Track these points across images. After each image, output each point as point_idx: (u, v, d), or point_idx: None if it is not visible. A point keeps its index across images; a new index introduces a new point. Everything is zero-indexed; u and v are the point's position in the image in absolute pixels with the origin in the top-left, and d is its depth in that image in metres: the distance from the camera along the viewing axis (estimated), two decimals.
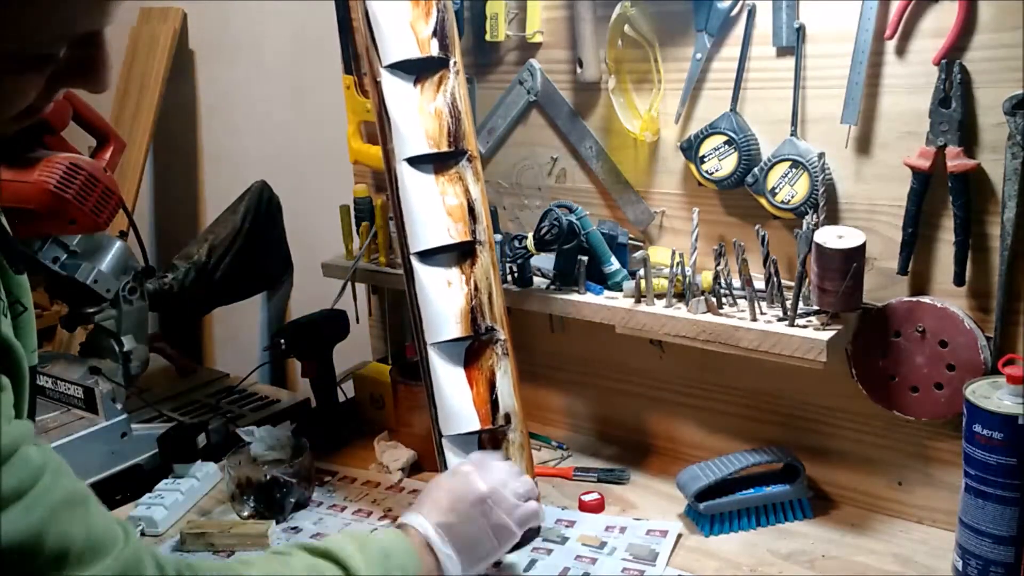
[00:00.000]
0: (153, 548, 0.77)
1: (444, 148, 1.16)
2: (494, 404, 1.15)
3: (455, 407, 1.16)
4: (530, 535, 1.07)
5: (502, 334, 1.17)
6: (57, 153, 1.32)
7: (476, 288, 1.16)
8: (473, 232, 1.16)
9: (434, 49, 1.16)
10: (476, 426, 1.15)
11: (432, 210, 1.16)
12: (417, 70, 1.17)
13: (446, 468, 1.17)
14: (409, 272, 1.17)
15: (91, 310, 1.52)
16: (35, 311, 0.82)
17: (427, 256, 1.16)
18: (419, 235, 1.17)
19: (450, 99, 1.17)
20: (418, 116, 1.16)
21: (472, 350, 1.16)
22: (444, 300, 1.16)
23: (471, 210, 1.17)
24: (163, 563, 0.74)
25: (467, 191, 1.17)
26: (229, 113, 2.20)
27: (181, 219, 2.39)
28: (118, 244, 1.53)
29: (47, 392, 1.56)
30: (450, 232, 1.15)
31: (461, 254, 1.17)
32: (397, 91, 1.17)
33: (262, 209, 1.82)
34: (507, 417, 1.16)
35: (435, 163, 1.17)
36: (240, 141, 2.19)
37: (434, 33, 1.16)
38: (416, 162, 1.16)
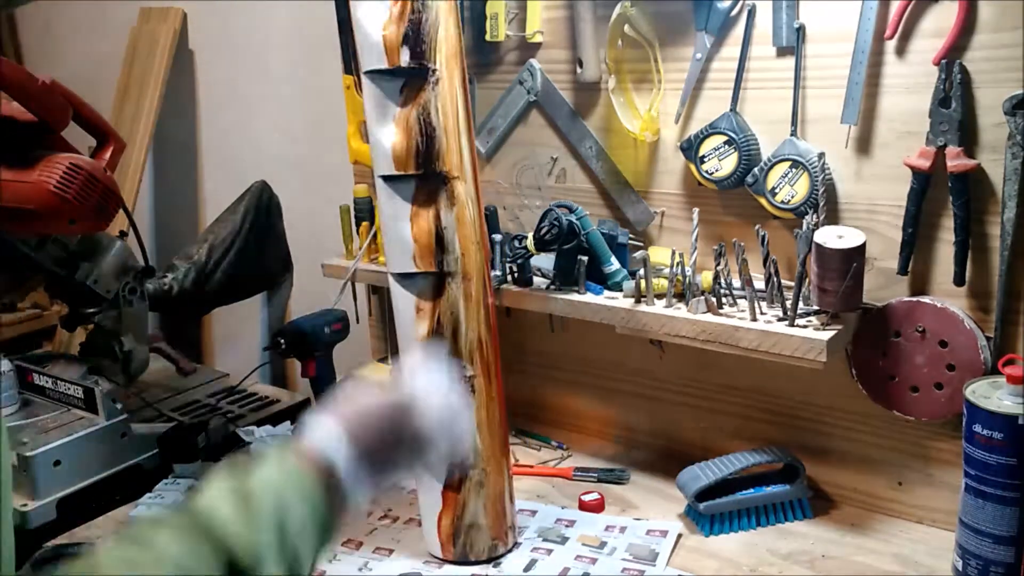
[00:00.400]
0: None
1: (411, 170, 1.08)
2: None
3: None
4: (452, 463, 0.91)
5: (470, 371, 1.13)
6: (57, 153, 1.31)
7: (439, 322, 1.11)
8: (440, 264, 1.10)
9: (404, 58, 1.06)
10: None
11: (399, 235, 1.11)
12: (398, 78, 1.08)
13: None
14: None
15: (91, 310, 1.52)
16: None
17: (404, 277, 1.13)
18: (390, 256, 1.14)
19: (423, 115, 1.07)
20: (388, 133, 1.09)
21: None
22: (411, 327, 1.13)
23: (439, 239, 1.10)
24: None
25: (438, 218, 1.10)
26: (229, 113, 2.20)
27: (181, 219, 2.38)
28: (118, 244, 1.53)
29: (47, 392, 1.56)
30: (415, 261, 1.10)
31: (436, 281, 1.12)
32: (374, 100, 1.10)
33: (262, 209, 1.82)
34: None
35: (407, 183, 1.10)
36: (240, 141, 2.18)
37: (404, 40, 1.05)
38: (390, 180, 1.10)
